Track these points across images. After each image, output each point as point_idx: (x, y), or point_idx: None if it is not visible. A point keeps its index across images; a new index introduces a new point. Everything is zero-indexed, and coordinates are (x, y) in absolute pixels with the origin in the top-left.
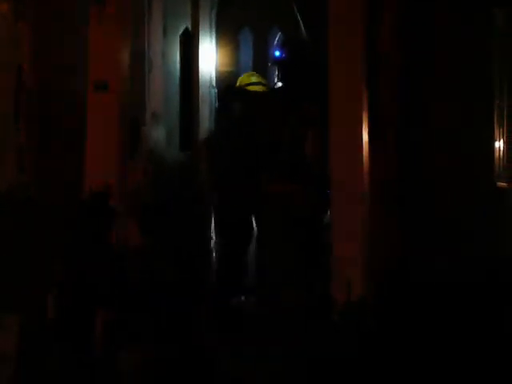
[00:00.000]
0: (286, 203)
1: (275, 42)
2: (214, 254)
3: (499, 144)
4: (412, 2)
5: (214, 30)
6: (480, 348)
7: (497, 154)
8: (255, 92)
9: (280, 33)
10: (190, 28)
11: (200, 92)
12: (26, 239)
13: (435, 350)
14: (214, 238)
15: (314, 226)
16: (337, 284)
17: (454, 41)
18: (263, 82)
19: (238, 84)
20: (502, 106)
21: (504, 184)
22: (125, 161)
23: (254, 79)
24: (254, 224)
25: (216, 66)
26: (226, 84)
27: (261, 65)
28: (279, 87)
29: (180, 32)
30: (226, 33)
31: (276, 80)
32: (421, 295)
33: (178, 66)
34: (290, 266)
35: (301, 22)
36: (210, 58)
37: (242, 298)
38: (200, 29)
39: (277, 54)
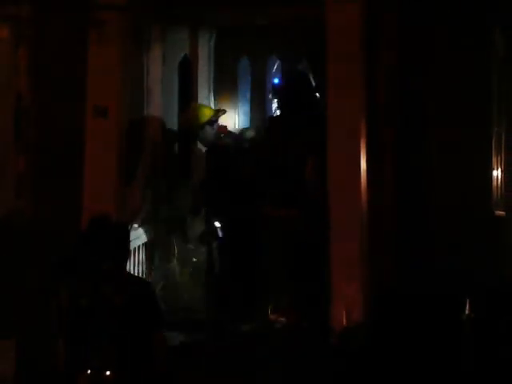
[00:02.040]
0: (286, 227)
1: (273, 70)
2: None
3: (497, 172)
4: (411, 23)
5: (212, 58)
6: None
7: (494, 183)
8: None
9: (278, 61)
10: (188, 56)
11: None
12: (22, 264)
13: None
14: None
15: (314, 249)
16: (336, 308)
17: (453, 66)
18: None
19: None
20: (500, 133)
21: (502, 212)
22: (123, 187)
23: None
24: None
25: (214, 93)
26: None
27: (259, 93)
28: (278, 115)
29: (179, 60)
30: (225, 61)
31: (275, 107)
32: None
33: (176, 92)
34: (289, 289)
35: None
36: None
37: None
38: (199, 56)
39: (276, 81)
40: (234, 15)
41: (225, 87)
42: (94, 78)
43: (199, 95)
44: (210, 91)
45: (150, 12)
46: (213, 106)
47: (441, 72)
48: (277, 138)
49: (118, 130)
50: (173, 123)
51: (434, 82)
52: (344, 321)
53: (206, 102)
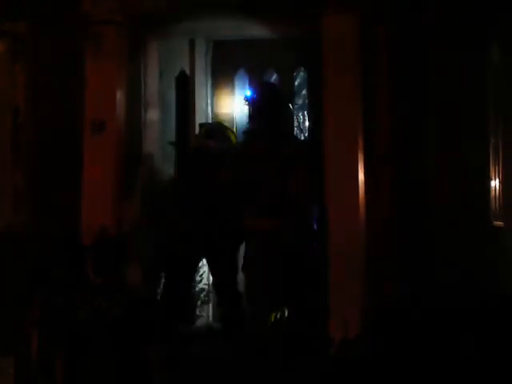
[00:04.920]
0: (272, 238)
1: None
2: None
3: (495, 183)
4: (406, 31)
5: (209, 71)
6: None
7: (493, 193)
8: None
9: (276, 74)
10: (185, 69)
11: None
12: (21, 278)
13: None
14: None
15: (301, 260)
16: (335, 322)
17: (449, 78)
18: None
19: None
20: (498, 144)
21: (500, 223)
22: (121, 200)
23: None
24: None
25: (212, 107)
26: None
27: None
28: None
29: (176, 74)
30: (222, 74)
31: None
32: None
33: (173, 106)
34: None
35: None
36: (206, 99)
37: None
38: (196, 70)
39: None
40: (229, 28)
41: (222, 100)
42: (91, 92)
43: (197, 109)
44: (207, 105)
45: (147, 26)
46: (209, 119)
47: (437, 84)
48: (252, 151)
49: (115, 143)
50: (171, 137)
51: (430, 95)
52: (343, 332)
53: (204, 115)
